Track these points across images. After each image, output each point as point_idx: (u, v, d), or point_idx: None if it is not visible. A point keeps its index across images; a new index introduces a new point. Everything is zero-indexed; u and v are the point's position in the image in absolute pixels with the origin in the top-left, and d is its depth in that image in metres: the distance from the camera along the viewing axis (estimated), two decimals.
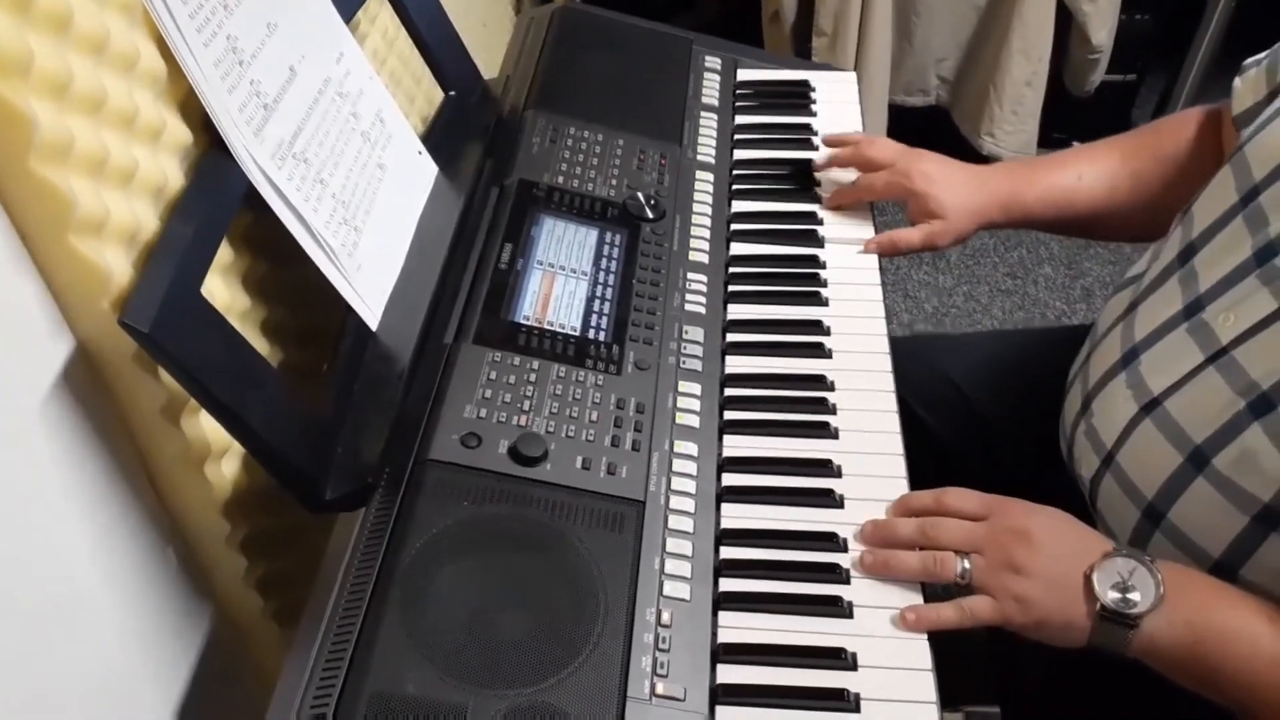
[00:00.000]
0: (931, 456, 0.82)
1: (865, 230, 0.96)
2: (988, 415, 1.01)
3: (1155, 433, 0.76)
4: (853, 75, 1.15)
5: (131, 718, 0.71)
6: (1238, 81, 0.89)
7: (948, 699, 0.65)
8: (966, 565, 0.71)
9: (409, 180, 0.89)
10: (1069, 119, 1.99)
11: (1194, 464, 0.73)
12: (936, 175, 0.93)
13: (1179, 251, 0.80)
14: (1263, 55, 0.87)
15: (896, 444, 0.78)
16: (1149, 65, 2.07)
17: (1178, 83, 2.01)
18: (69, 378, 0.60)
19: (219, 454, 0.73)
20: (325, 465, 0.69)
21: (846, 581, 0.70)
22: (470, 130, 0.98)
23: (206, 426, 0.70)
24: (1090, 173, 0.96)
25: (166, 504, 0.72)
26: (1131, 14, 1.98)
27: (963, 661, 0.96)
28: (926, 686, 0.64)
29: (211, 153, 0.67)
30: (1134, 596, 0.68)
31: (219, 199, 0.67)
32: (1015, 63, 1.81)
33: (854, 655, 0.65)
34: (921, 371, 1.04)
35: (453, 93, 1.00)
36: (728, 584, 0.69)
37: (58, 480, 0.61)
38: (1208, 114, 0.96)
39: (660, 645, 0.64)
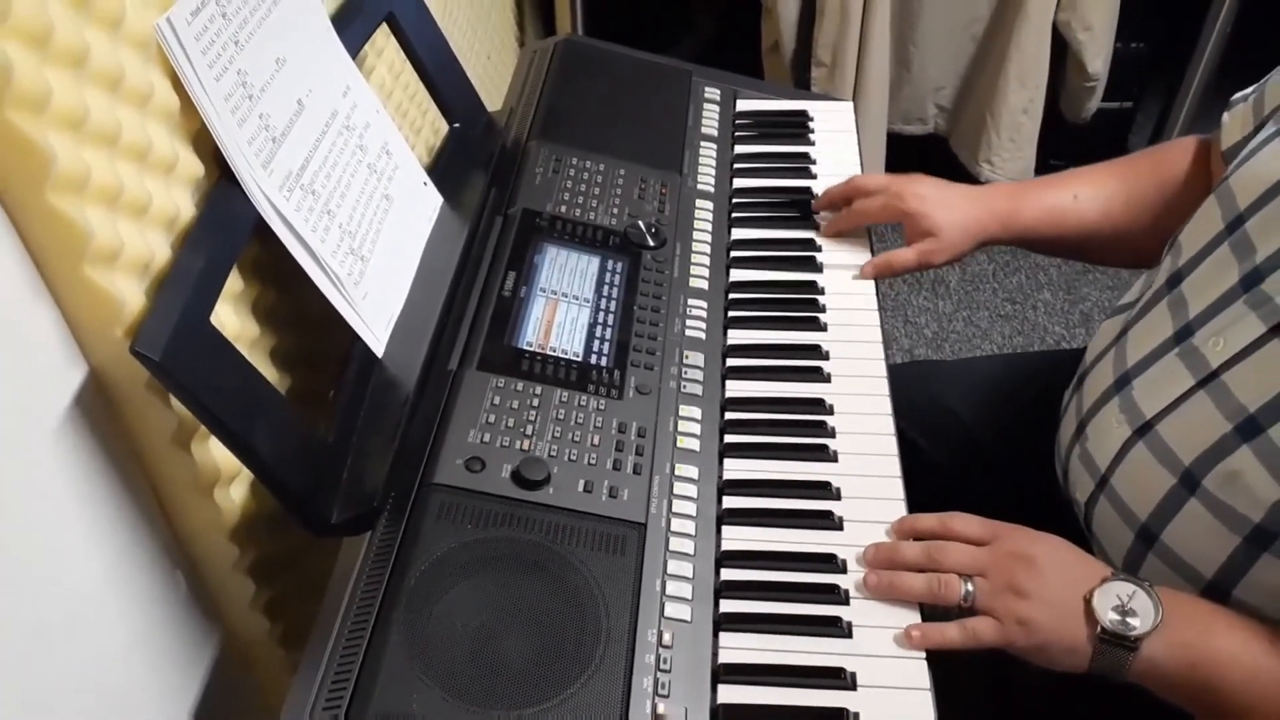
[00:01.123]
0: (929, 482, 0.83)
1: (862, 256, 0.98)
2: (985, 441, 1.02)
3: (1148, 455, 0.77)
4: (850, 105, 1.17)
5: None
6: (1226, 116, 0.91)
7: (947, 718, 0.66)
8: (970, 588, 0.71)
9: (414, 210, 0.90)
10: (1066, 146, 2.01)
11: (1186, 486, 0.74)
12: (930, 195, 0.95)
13: (1167, 278, 0.82)
14: (1250, 90, 0.89)
15: (894, 467, 0.79)
16: (1145, 93, 2.09)
17: (1173, 110, 2.03)
18: (82, 403, 0.61)
19: (228, 479, 0.74)
20: (331, 490, 0.70)
21: (846, 602, 0.70)
22: (474, 161, 1.00)
23: (216, 453, 0.72)
24: (1086, 193, 0.97)
25: (176, 528, 0.73)
26: (1127, 42, 2.00)
27: (962, 684, 0.97)
28: (925, 706, 0.65)
29: (221, 184, 0.69)
30: (1133, 620, 0.69)
31: (229, 229, 0.69)
32: (1012, 90, 1.83)
33: (853, 675, 0.66)
34: (919, 399, 1.05)
35: (457, 124, 1.02)
36: (728, 605, 0.70)
37: (71, 503, 0.62)
38: (1203, 143, 0.98)
39: (661, 666, 0.65)
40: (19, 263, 0.56)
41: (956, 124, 1.98)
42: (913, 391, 1.05)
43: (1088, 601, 0.70)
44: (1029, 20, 1.78)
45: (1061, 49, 1.85)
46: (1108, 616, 0.69)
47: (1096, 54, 1.83)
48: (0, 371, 0.55)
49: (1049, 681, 0.84)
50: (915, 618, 0.70)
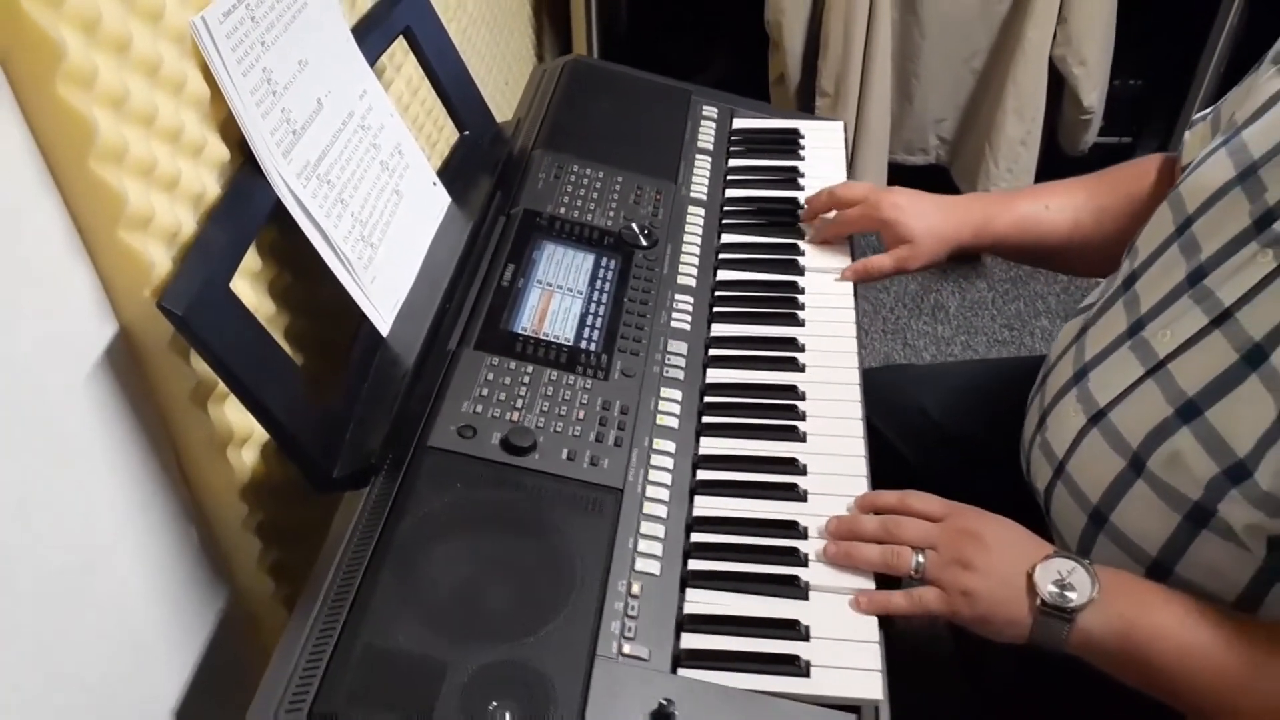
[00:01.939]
0: (904, 481, 0.88)
1: (843, 261, 1.03)
2: (958, 440, 1.07)
3: (1101, 442, 0.82)
4: (840, 124, 1.24)
5: (147, 686, 0.78)
6: (1188, 134, 0.97)
7: (915, 691, 0.70)
8: (921, 560, 0.76)
9: (423, 206, 0.97)
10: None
11: (1133, 468, 0.79)
12: (905, 205, 1.01)
13: (1124, 279, 0.87)
14: (1209, 110, 0.95)
15: (860, 448, 0.85)
16: (1143, 128, 2.15)
17: (1170, 145, 2.08)
18: (112, 357, 0.68)
19: (241, 440, 0.80)
20: (334, 448, 0.76)
21: (805, 565, 0.76)
22: (482, 166, 1.07)
23: (231, 414, 0.78)
24: (1057, 204, 1.03)
25: (191, 484, 0.80)
26: (1125, 79, 2.07)
27: (935, 666, 1.02)
28: (874, 657, 0.70)
29: (245, 169, 0.76)
30: (1071, 594, 0.73)
31: (249, 209, 0.76)
32: (1010, 122, 1.90)
33: (807, 627, 0.71)
34: (896, 401, 1.11)
35: (467, 133, 1.09)
36: (696, 564, 0.75)
37: (98, 450, 0.69)
38: (1167, 160, 1.04)
39: (629, 613, 0.71)
40: (61, 224, 0.63)
41: (957, 155, 2.05)
42: (889, 394, 1.10)
43: (1030, 576, 0.74)
44: (1026, 55, 1.84)
45: (1058, 83, 1.91)
46: (1047, 589, 0.73)
47: (1091, 88, 1.89)
48: (40, 324, 0.62)
49: (1019, 666, 0.88)
50: (869, 583, 0.75)
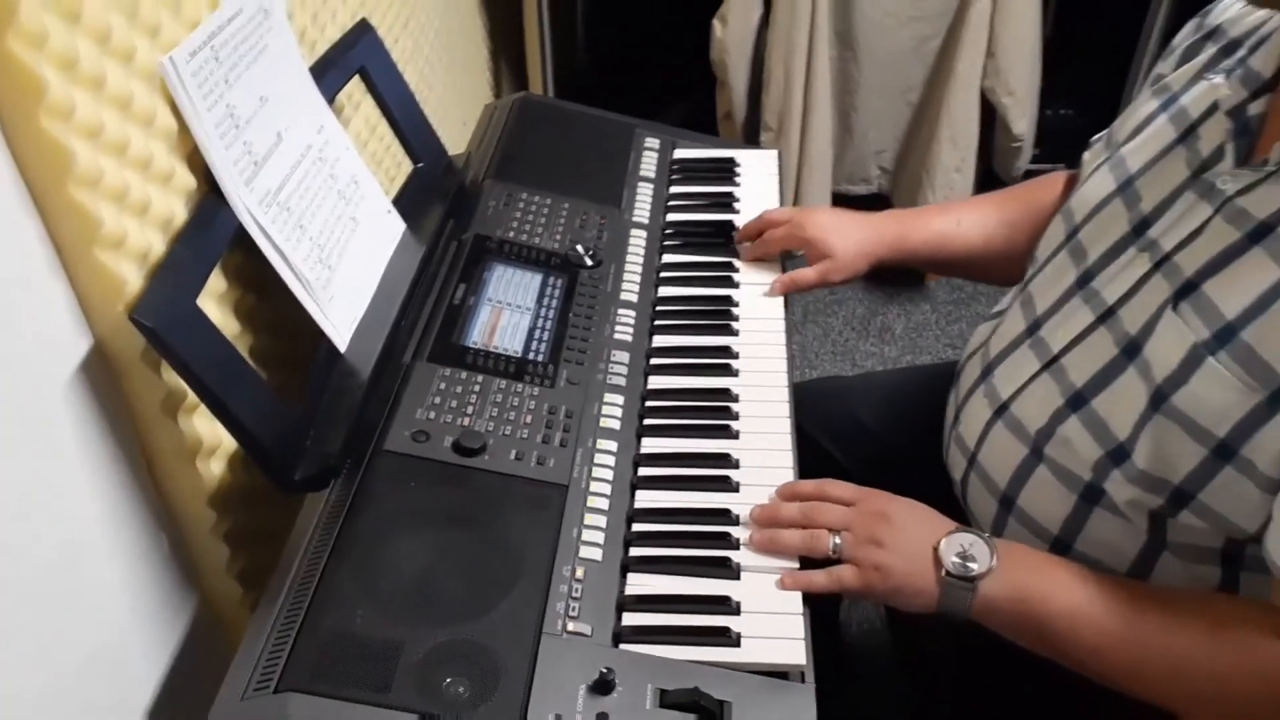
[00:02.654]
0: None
1: (774, 276, 1.11)
2: (888, 444, 1.15)
3: (1005, 432, 0.89)
4: (774, 152, 1.32)
5: (120, 688, 0.82)
6: (1086, 154, 1.06)
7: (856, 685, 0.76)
8: (838, 541, 0.82)
9: (378, 232, 1.04)
10: None
11: (1034, 455, 0.87)
12: (828, 223, 1.09)
13: (1023, 284, 0.95)
14: (1104, 132, 1.04)
15: (787, 443, 0.91)
16: (1075, 156, 2.25)
17: None
18: (87, 369, 0.74)
19: (209, 451, 0.86)
20: (296, 451, 0.82)
21: (736, 548, 0.82)
22: (434, 195, 1.14)
23: (199, 425, 0.84)
24: (969, 220, 1.12)
25: (162, 492, 0.85)
26: (1056, 108, 2.18)
27: (872, 653, 1.08)
28: (797, 626, 0.76)
29: (210, 196, 0.83)
30: (972, 564, 0.80)
31: (214, 233, 0.82)
32: (945, 151, 2.00)
33: (739, 603, 0.77)
34: (830, 411, 1.18)
35: (421, 164, 1.16)
36: (636, 551, 0.82)
37: (74, 456, 0.74)
38: (1070, 176, 1.13)
39: (574, 595, 0.76)
40: (41, 244, 0.69)
41: (898, 183, 2.15)
42: (823, 405, 1.18)
43: (935, 550, 0.81)
44: (958, 87, 1.95)
45: (990, 113, 2.02)
46: (951, 560, 0.80)
47: (1020, 116, 2.00)
48: (21, 337, 0.67)
49: (957, 656, 0.95)
50: (794, 565, 0.81)
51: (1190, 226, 0.78)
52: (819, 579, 0.80)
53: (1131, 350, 0.79)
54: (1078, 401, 0.83)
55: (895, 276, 2.25)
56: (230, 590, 0.92)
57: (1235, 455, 0.72)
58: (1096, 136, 1.06)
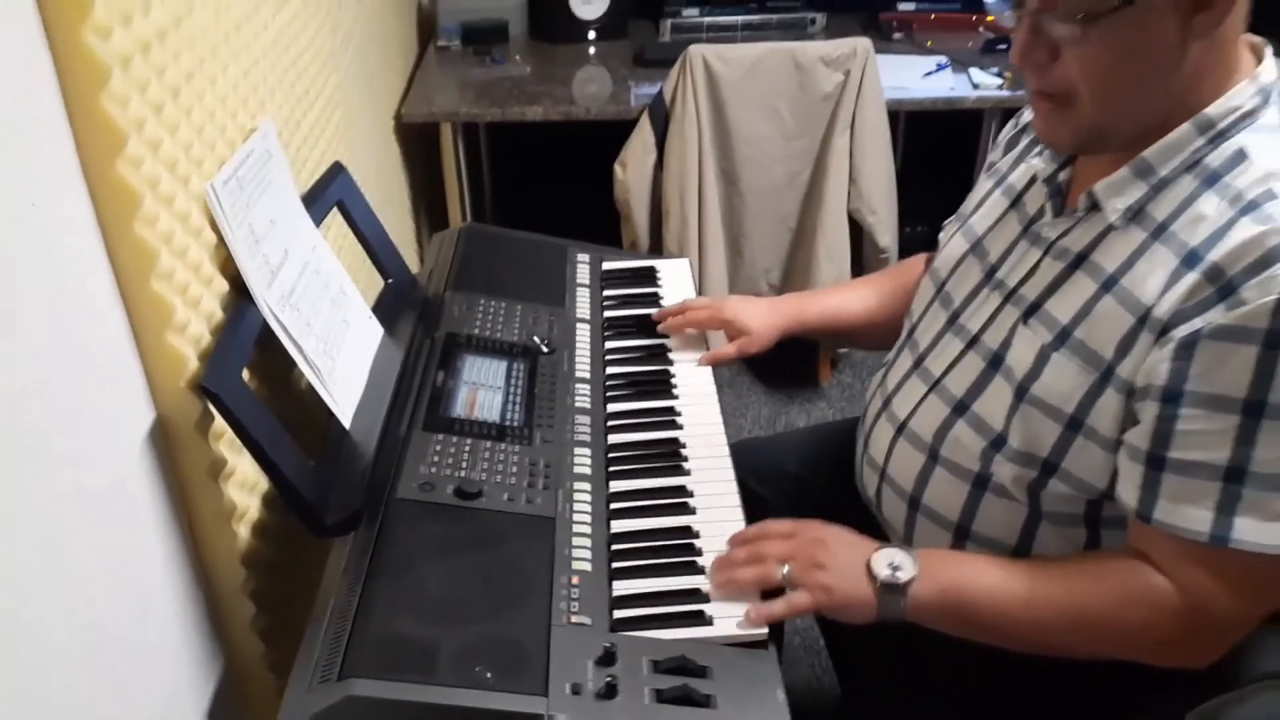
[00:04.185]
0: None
1: (700, 352, 1.32)
2: (809, 483, 1.34)
3: (906, 445, 1.10)
4: (686, 260, 1.55)
5: None
6: (942, 235, 1.31)
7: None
8: (785, 571, 0.97)
9: (364, 334, 1.21)
10: None
11: (931, 458, 1.07)
12: (741, 306, 1.32)
13: (906, 333, 1.18)
14: (955, 216, 1.30)
15: (729, 473, 1.10)
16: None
17: None
18: (153, 439, 0.88)
19: (240, 514, 0.99)
20: (324, 502, 0.96)
21: (700, 554, 0.99)
22: (406, 304, 1.32)
23: (235, 491, 0.97)
24: (853, 298, 1.36)
25: (201, 552, 0.97)
26: (913, 226, 2.52)
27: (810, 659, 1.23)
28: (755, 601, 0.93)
29: (241, 299, 0.99)
30: (900, 573, 0.95)
31: (247, 326, 0.98)
32: (823, 266, 2.28)
33: (707, 593, 0.94)
34: (765, 465, 1.37)
35: (390, 280, 1.35)
36: (618, 564, 0.98)
37: (149, 523, 0.87)
38: (929, 256, 1.38)
39: (573, 596, 0.92)
40: (124, 332, 0.84)
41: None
42: (751, 457, 1.36)
43: (868, 566, 0.96)
44: (829, 210, 2.25)
45: (858, 231, 2.33)
46: (883, 572, 0.95)
47: (884, 232, 2.31)
48: (103, 412, 0.82)
49: (879, 652, 1.11)
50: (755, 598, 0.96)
51: (1028, 266, 1.02)
52: (778, 608, 0.94)
53: (995, 362, 1.01)
54: (961, 408, 1.04)
55: (793, 379, 2.49)
56: (253, 646, 1.04)
57: (1083, 425, 0.93)
58: (951, 218, 1.31)
